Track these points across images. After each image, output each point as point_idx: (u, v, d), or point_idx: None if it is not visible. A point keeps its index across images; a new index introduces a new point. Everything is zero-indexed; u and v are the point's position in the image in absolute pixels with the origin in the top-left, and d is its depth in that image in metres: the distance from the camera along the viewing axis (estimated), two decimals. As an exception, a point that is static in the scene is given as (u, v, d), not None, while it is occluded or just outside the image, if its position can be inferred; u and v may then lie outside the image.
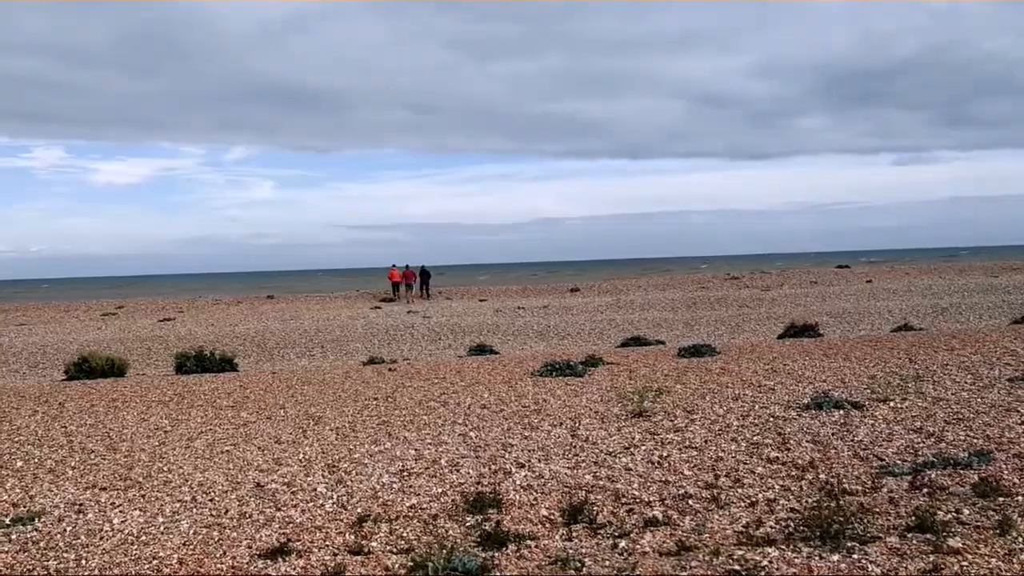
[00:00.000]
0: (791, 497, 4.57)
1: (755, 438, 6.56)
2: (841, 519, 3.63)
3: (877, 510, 4.03)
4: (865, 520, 3.75)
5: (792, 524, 3.94)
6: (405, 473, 6.19)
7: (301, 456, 7.12)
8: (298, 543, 4.59)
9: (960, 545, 3.52)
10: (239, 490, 6.01)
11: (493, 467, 6.18)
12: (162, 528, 5.12)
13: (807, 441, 6.28)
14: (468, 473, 6.02)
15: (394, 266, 44.60)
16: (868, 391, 8.64)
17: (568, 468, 5.92)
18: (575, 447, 6.71)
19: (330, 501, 5.49)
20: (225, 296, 48.18)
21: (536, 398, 9.60)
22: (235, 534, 4.88)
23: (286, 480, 6.23)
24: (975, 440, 5.84)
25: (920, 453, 5.55)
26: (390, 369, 13.28)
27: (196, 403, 10.52)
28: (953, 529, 3.70)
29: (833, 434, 6.48)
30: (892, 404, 7.84)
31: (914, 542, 3.63)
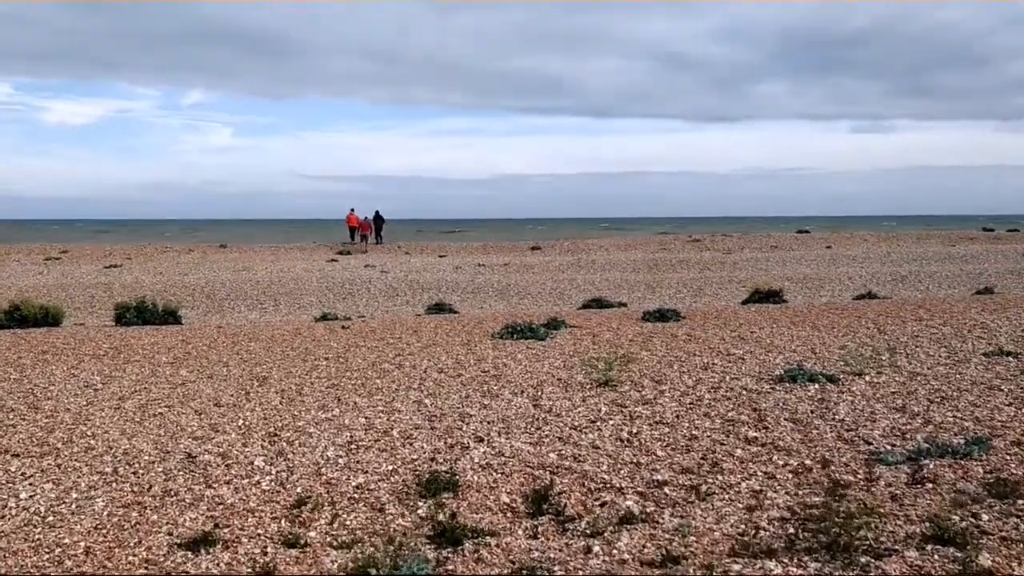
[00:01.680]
0: (779, 489, 4.15)
1: (729, 414, 6.14)
2: (848, 527, 3.21)
3: (882, 510, 3.61)
4: (874, 526, 3.33)
5: (791, 528, 3.51)
6: (353, 446, 5.67)
7: (241, 422, 6.55)
8: (226, 530, 4.06)
9: (990, 563, 3.12)
10: (168, 461, 5.44)
11: (449, 440, 5.68)
12: (74, 507, 4.54)
13: (785, 419, 5.88)
14: (422, 447, 5.51)
15: (352, 210, 43.83)
16: (841, 363, 8.30)
17: (531, 444, 5.45)
18: (538, 419, 6.24)
19: (268, 478, 4.96)
20: (177, 244, 46.78)
21: (496, 363, 9.11)
22: (156, 516, 4.33)
23: (221, 450, 5.67)
24: (965, 423, 5.48)
25: (909, 436, 5.18)
26: (343, 327, 12.68)
27: (133, 358, 9.85)
28: (978, 541, 3.29)
29: (812, 411, 6.09)
30: (868, 378, 7.50)
31: (936, 557, 3.22)
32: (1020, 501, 3.60)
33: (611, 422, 6.02)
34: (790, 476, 4.36)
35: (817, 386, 7.16)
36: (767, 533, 3.51)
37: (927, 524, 3.44)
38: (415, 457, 5.26)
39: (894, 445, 4.93)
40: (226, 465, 5.30)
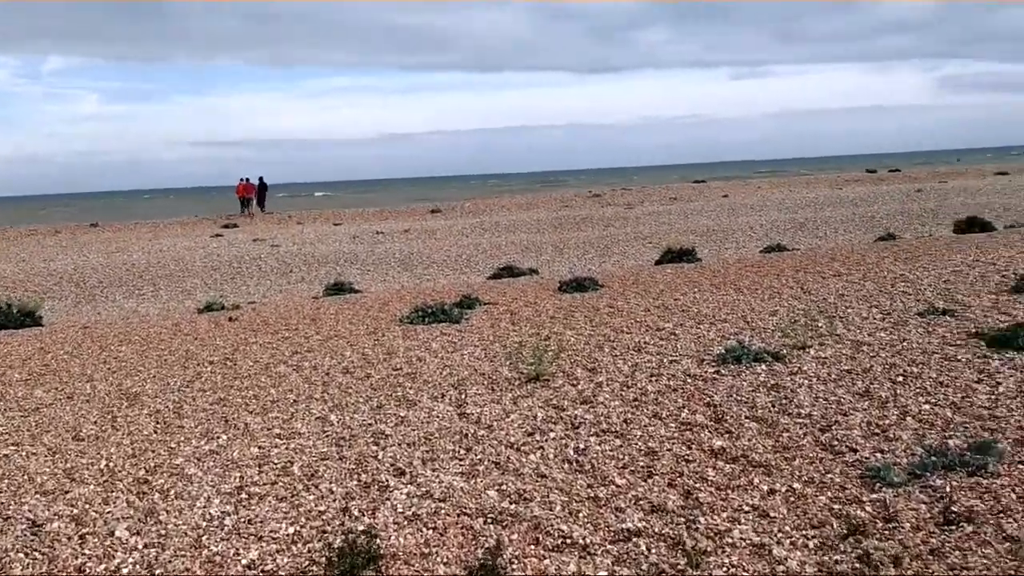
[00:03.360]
0: (783, 538, 3.40)
1: (683, 413, 5.40)
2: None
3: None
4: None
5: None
6: (244, 493, 4.64)
7: (104, 463, 5.41)
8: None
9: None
10: (4, 536, 4.30)
11: (364, 477, 4.73)
12: None
13: (747, 418, 5.18)
14: (331, 491, 4.54)
15: (243, 179, 41.96)
16: (779, 334, 7.72)
17: (464, 477, 4.55)
18: (466, 436, 5.35)
19: (132, 558, 3.90)
20: (43, 225, 43.31)
21: (409, 356, 8.15)
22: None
23: (75, 511, 4.55)
24: (947, 413, 4.89)
25: (894, 436, 4.55)
26: (231, 318, 11.42)
27: (-22, 378, 8.41)
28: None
29: (773, 405, 5.41)
30: (813, 352, 6.92)
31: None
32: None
33: (552, 434, 5.18)
34: (786, 513, 3.63)
35: (764, 367, 6.52)
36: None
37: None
38: (322, 509, 4.29)
39: (884, 453, 4.27)
40: (79, 537, 4.20)
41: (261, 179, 41.70)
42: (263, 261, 22.24)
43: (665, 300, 10.35)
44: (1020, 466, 3.87)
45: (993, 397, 5.09)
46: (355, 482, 4.66)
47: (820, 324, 7.99)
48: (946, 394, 5.27)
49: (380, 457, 5.05)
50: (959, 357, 6.27)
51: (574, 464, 4.56)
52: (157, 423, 6.37)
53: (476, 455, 4.92)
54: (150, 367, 8.51)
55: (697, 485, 4.04)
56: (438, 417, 5.88)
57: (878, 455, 4.23)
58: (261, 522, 4.20)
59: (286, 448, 5.45)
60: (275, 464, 5.12)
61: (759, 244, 20.54)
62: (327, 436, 5.65)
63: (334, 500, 4.38)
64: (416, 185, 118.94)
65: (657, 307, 9.90)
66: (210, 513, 4.38)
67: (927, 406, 5.05)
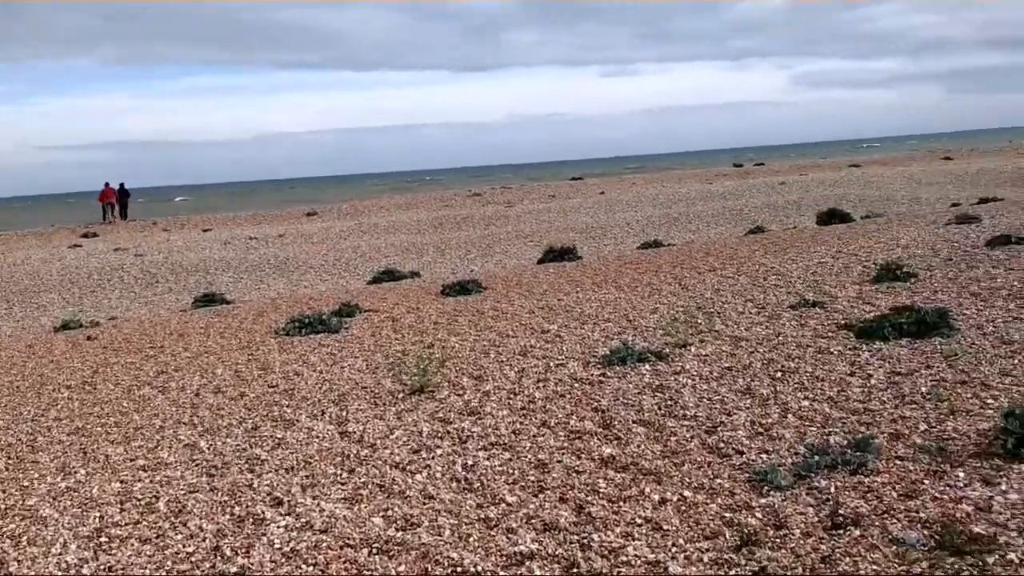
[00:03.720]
0: (676, 553, 3.34)
1: (571, 421, 5.34)
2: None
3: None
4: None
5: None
6: (104, 536, 4.25)
7: (-57, 511, 4.86)
8: None
9: None
10: None
11: (237, 510, 4.42)
12: None
13: (635, 422, 5.16)
14: (200, 528, 4.22)
15: (107, 184, 40.27)
16: (661, 332, 7.81)
17: (347, 503, 4.32)
18: (348, 456, 5.11)
19: (-27, 623, 3.49)
20: None
21: (285, 371, 7.79)
22: None
23: (-93, 572, 4.05)
24: (826, 409, 5.02)
25: (777, 436, 4.61)
26: (89, 337, 10.66)
27: None
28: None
29: (659, 407, 5.42)
30: (695, 350, 7.02)
31: None
32: (982, 558, 3.03)
33: (439, 451, 5.00)
34: (679, 524, 3.59)
35: (649, 367, 6.55)
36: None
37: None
38: (191, 549, 3.96)
39: (769, 453, 4.32)
40: (-89, 602, 3.73)
41: (122, 185, 39.87)
42: (126, 272, 21.02)
43: (549, 301, 10.34)
44: (898, 462, 3.98)
45: (866, 390, 5.26)
46: (228, 516, 4.35)
47: (699, 320, 8.13)
48: (823, 389, 5.42)
49: (255, 486, 4.74)
50: (832, 350, 6.49)
51: (463, 483, 4.41)
52: (8, 459, 5.82)
53: (359, 478, 4.69)
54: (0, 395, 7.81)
55: (589, 498, 3.96)
56: (318, 437, 5.60)
57: (764, 456, 4.27)
58: (123, 568, 3.84)
59: (151, 481, 5.05)
60: (139, 500, 4.74)
61: (636, 240, 20.98)
62: (197, 465, 5.28)
63: (204, 539, 4.06)
64: (293, 186, 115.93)
65: (541, 308, 9.87)
66: (66, 561, 3.98)
67: (806, 402, 5.17)
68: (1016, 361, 5.55)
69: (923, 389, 5.13)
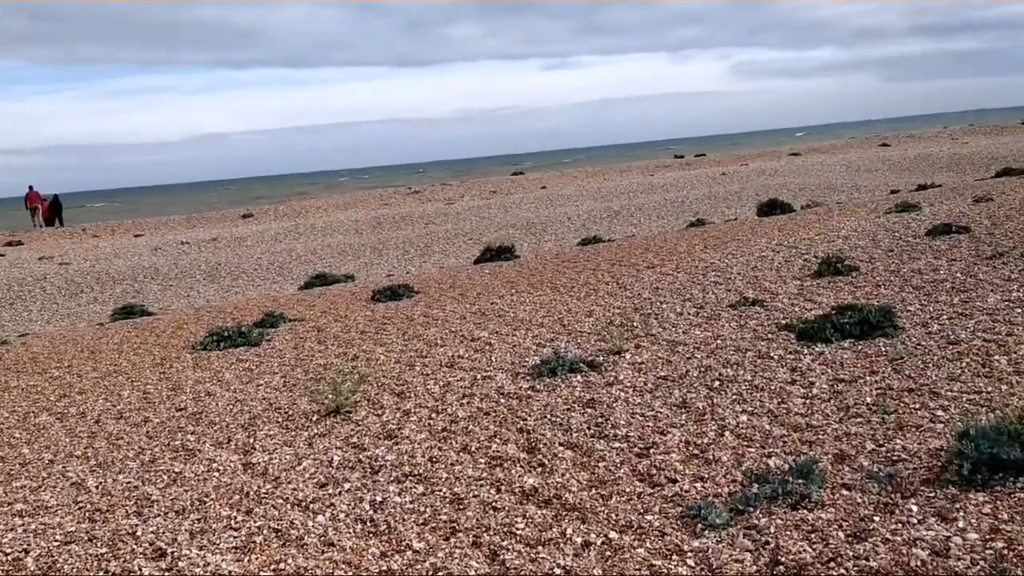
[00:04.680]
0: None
1: (494, 444, 4.92)
2: None
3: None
4: None
5: None
6: (-45, 606, 3.71)
7: None
8: None
9: None
10: None
11: (113, 565, 3.90)
12: None
13: (561, 444, 4.76)
14: (68, 591, 3.69)
15: (31, 188, 39.19)
16: (595, 337, 7.45)
17: (236, 555, 3.83)
18: (248, 494, 4.61)
19: None
20: None
21: (197, 391, 7.23)
22: None
23: None
24: (764, 425, 4.67)
25: (713, 459, 4.24)
26: (-8, 357, 9.91)
27: None
28: None
29: (588, 426, 5.03)
30: (629, 356, 6.66)
31: None
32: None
33: (348, 484, 4.54)
34: (601, 575, 3.18)
35: (580, 378, 6.17)
36: None
37: None
38: (50, 621, 3.44)
39: (704, 481, 3.94)
40: None
41: (56, 197, 38.69)
42: (49, 282, 20.01)
43: (482, 304, 9.92)
44: (844, 492, 3.63)
45: (808, 402, 4.94)
46: (103, 572, 3.83)
47: (636, 323, 7.77)
48: (762, 400, 5.08)
49: (140, 534, 4.23)
50: (771, 354, 6.18)
51: (368, 524, 3.95)
52: None
53: (256, 520, 4.20)
54: None
55: (504, 543, 3.54)
56: (218, 470, 5.09)
57: (698, 485, 3.89)
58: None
59: (24, 530, 4.49)
60: (5, 555, 4.18)
61: (577, 235, 20.67)
62: (80, 509, 4.73)
63: (69, 606, 3.54)
64: (231, 187, 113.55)
65: (473, 313, 9.45)
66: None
67: (744, 416, 4.82)
68: (964, 364, 5.29)
69: (868, 399, 4.82)
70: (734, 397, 5.21)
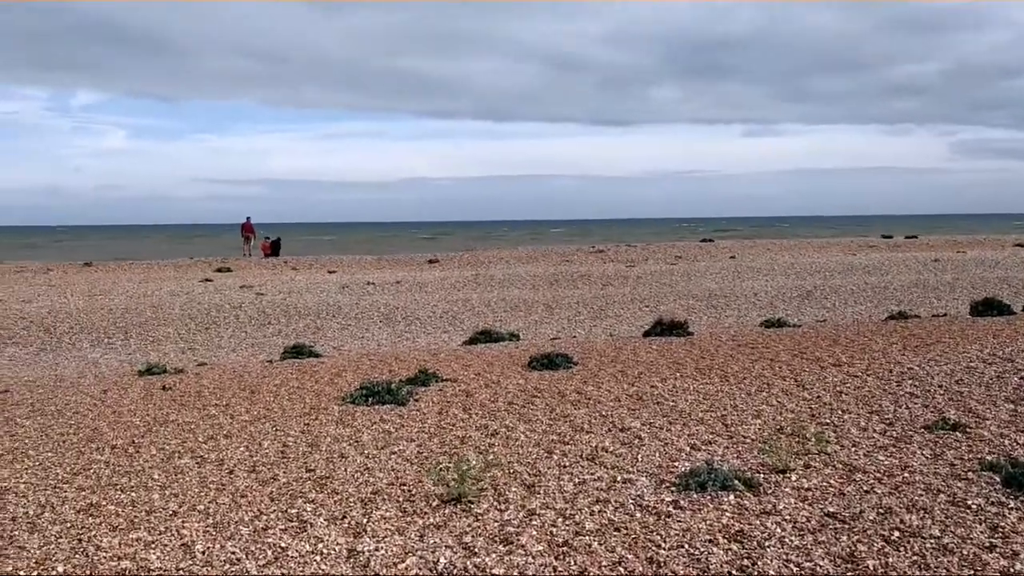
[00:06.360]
0: None
1: (615, 574, 4.28)
2: None
3: None
4: None
5: None
6: None
7: None
8: None
9: None
10: None
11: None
12: None
13: (694, 590, 4.05)
14: None
15: (248, 218, 42.96)
16: (759, 448, 6.60)
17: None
18: (340, 591, 4.25)
19: None
20: (36, 261, 42.69)
21: (331, 451, 7.08)
22: None
23: None
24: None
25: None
26: (164, 387, 10.37)
27: None
28: None
29: (729, 568, 4.28)
30: (795, 479, 5.80)
31: None
32: None
33: (442, 601, 4.07)
34: None
35: (733, 499, 5.41)
36: None
37: None
38: None
39: None
40: None
41: (279, 239, 42.32)
42: (242, 311, 21.28)
43: (641, 387, 9.25)
44: None
45: (1009, 581, 3.95)
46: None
47: (809, 435, 6.84)
48: (948, 568, 4.13)
49: (220, 623, 3.95)
50: (969, 502, 5.14)
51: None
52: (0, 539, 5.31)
53: (337, 631, 3.81)
54: (42, 451, 7.46)
55: None
56: (320, 554, 4.79)
57: None
58: None
59: (119, 596, 4.36)
60: (90, 623, 4.03)
61: (761, 313, 19.43)
62: (183, 572, 4.56)
63: None
64: (426, 229, 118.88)
65: (630, 396, 8.81)
66: None
67: (927, 589, 3.91)
68: None
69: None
70: (914, 559, 4.28)
